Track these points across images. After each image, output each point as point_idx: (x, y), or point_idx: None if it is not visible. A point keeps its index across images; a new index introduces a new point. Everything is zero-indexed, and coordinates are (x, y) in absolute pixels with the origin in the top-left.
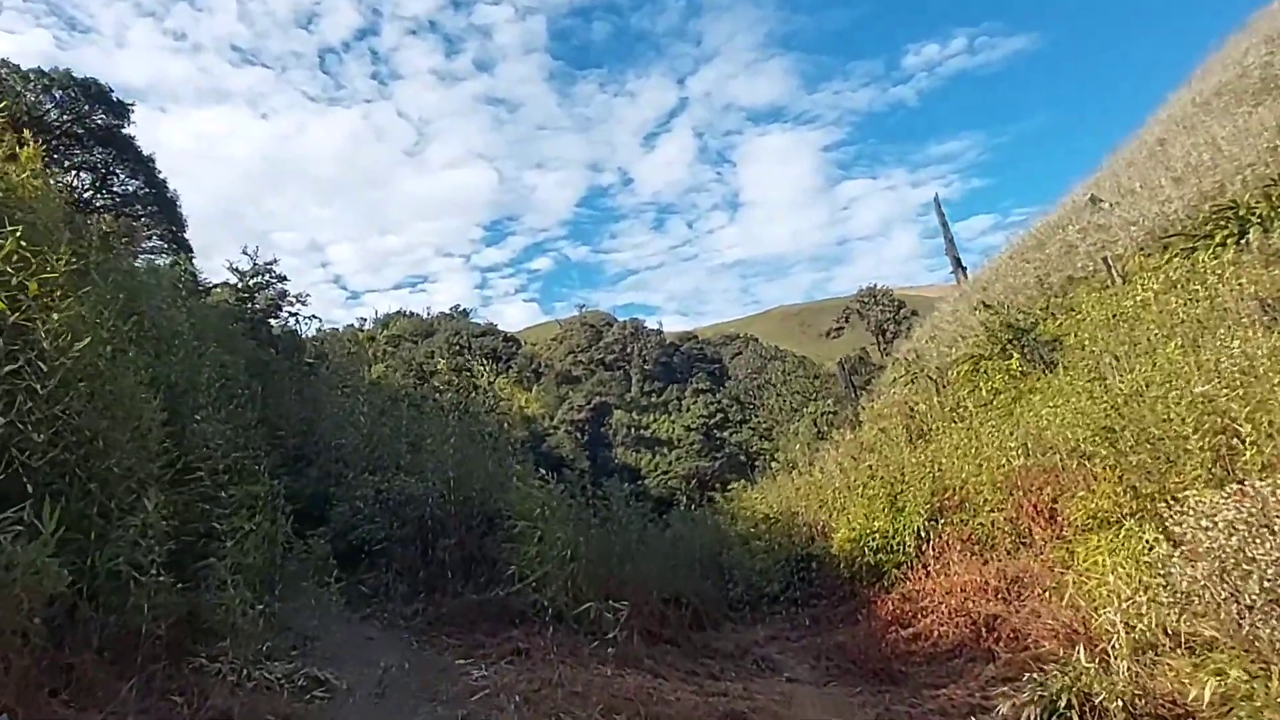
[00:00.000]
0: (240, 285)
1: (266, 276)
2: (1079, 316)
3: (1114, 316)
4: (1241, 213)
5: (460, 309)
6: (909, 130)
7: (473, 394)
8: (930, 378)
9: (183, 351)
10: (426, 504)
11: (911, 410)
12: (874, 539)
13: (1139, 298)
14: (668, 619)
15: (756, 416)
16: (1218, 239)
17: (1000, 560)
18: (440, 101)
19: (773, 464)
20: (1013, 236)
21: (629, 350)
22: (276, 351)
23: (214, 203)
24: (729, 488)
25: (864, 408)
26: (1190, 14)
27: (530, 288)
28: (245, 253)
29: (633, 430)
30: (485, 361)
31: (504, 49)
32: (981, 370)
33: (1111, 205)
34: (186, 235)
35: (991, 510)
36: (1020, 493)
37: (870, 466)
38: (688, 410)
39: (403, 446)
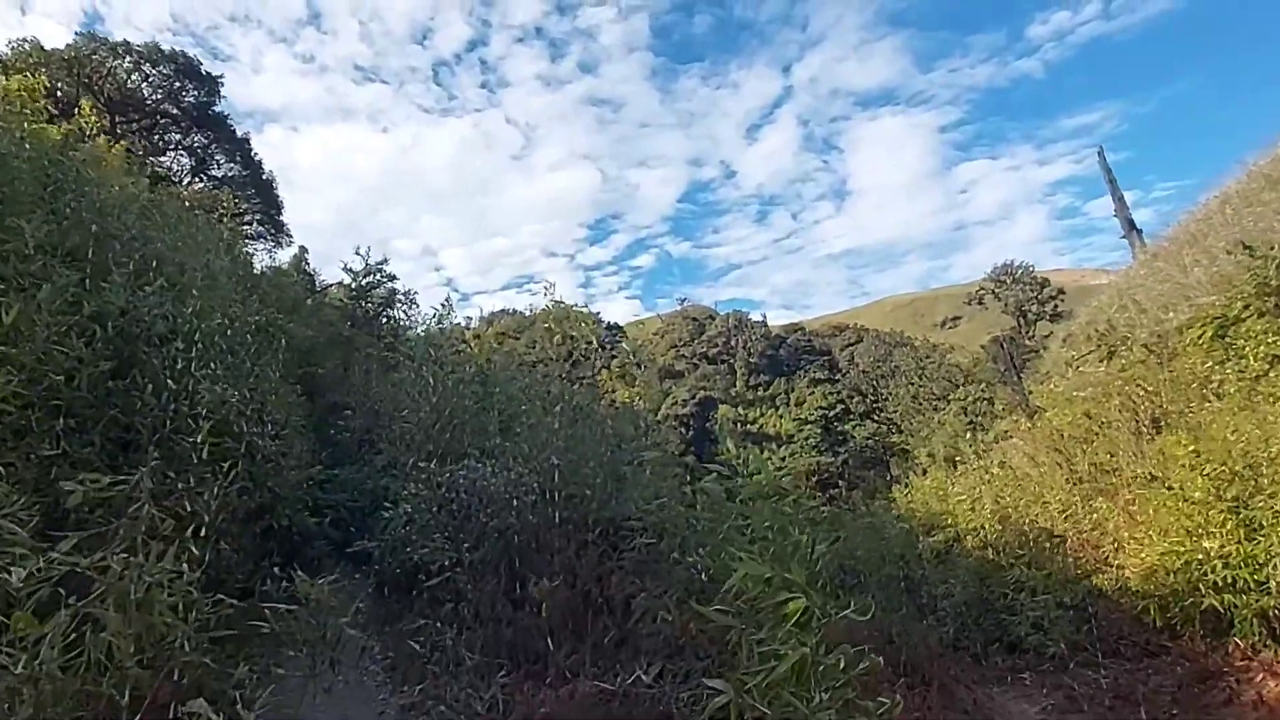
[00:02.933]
0: (353, 285)
1: (377, 276)
2: None
3: None
4: None
5: (560, 303)
6: (1036, 105)
7: (578, 381)
8: (1149, 349)
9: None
10: (514, 507)
11: (1140, 388)
12: (1208, 568)
13: None
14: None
15: (884, 407)
16: None
17: None
18: (546, 106)
19: (920, 458)
20: (1201, 197)
21: (733, 343)
22: (366, 332)
23: (337, 215)
24: (855, 488)
25: (1034, 392)
26: None
27: (633, 285)
28: (358, 253)
29: (739, 425)
30: (591, 351)
31: (607, 50)
32: (1237, 334)
33: None
34: (283, 218)
35: None
36: None
37: (1188, 454)
38: (803, 403)
39: (490, 423)
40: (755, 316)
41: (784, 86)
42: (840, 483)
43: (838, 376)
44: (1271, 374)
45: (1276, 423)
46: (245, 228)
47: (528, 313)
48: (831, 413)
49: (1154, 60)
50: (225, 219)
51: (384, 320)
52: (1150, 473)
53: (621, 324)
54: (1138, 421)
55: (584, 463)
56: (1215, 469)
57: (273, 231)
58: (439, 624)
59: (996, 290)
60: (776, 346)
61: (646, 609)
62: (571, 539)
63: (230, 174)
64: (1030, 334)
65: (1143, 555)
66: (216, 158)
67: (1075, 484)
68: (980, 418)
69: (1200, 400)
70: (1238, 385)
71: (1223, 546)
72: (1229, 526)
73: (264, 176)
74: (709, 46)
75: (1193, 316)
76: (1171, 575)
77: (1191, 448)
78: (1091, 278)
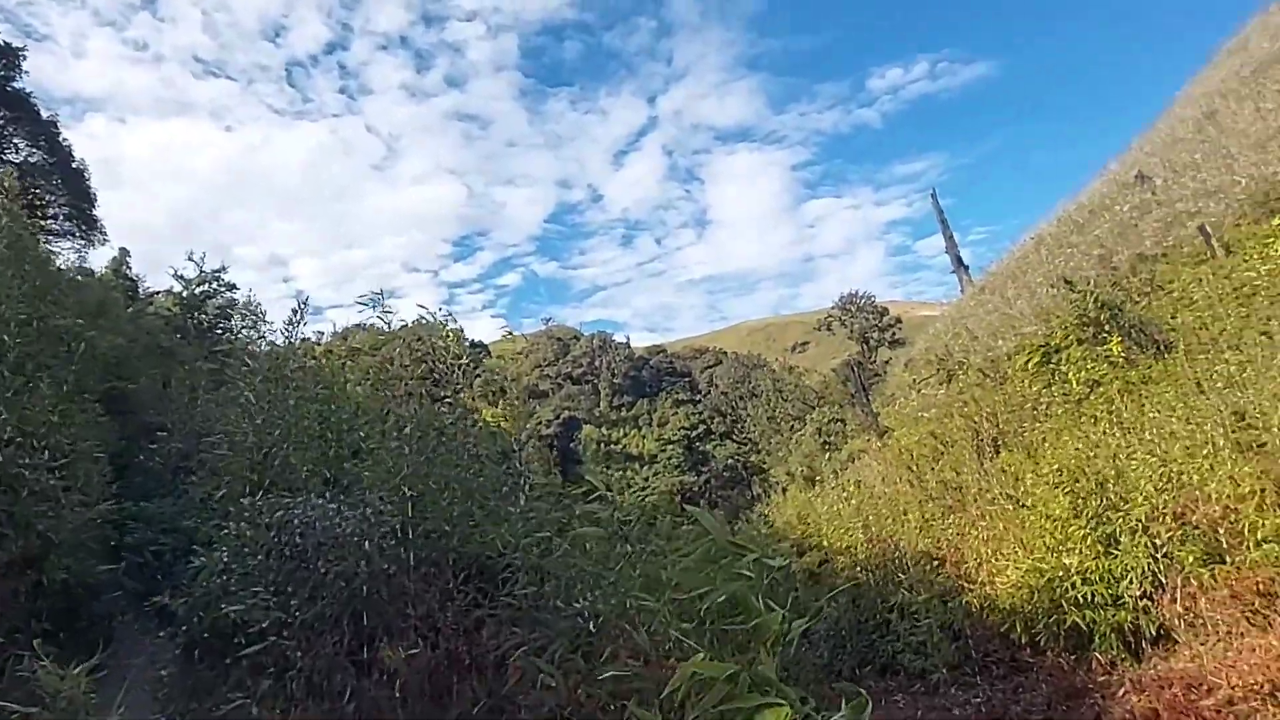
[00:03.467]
0: (185, 294)
1: (214, 284)
2: (1175, 295)
3: (1238, 290)
4: None
5: (423, 317)
6: (873, 151)
7: (439, 400)
8: (984, 373)
9: None
10: (361, 550)
11: (978, 409)
12: (1069, 583)
13: (1266, 269)
14: None
15: (743, 428)
16: None
17: None
18: (410, 117)
19: (779, 477)
20: (1019, 236)
21: (597, 364)
22: (198, 345)
23: (172, 216)
24: (717, 506)
25: (881, 413)
26: (1137, 43)
27: (498, 303)
28: (191, 259)
29: (603, 446)
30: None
31: (476, 66)
32: (1061, 360)
33: (1165, 182)
34: (96, 213)
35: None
36: None
37: (1051, 470)
38: (666, 423)
39: (336, 448)
40: (619, 338)
41: (650, 116)
42: (703, 502)
43: (699, 397)
44: (1092, 397)
45: (1099, 443)
46: (48, 222)
47: (387, 328)
48: (694, 433)
49: (972, 119)
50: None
51: (219, 332)
52: (1006, 491)
53: (486, 342)
54: (979, 440)
55: (447, 491)
56: (1073, 485)
57: (83, 228)
58: (259, 700)
59: (843, 318)
60: (639, 368)
61: (525, 669)
62: (432, 585)
63: (33, 160)
64: (873, 359)
65: (1008, 572)
66: (14, 141)
67: (927, 500)
68: (834, 437)
69: (1032, 420)
70: (1063, 407)
71: (1082, 562)
72: (1089, 542)
73: (74, 165)
74: (578, 72)
75: (1019, 344)
76: (1036, 592)
77: (1055, 465)
78: (921, 309)
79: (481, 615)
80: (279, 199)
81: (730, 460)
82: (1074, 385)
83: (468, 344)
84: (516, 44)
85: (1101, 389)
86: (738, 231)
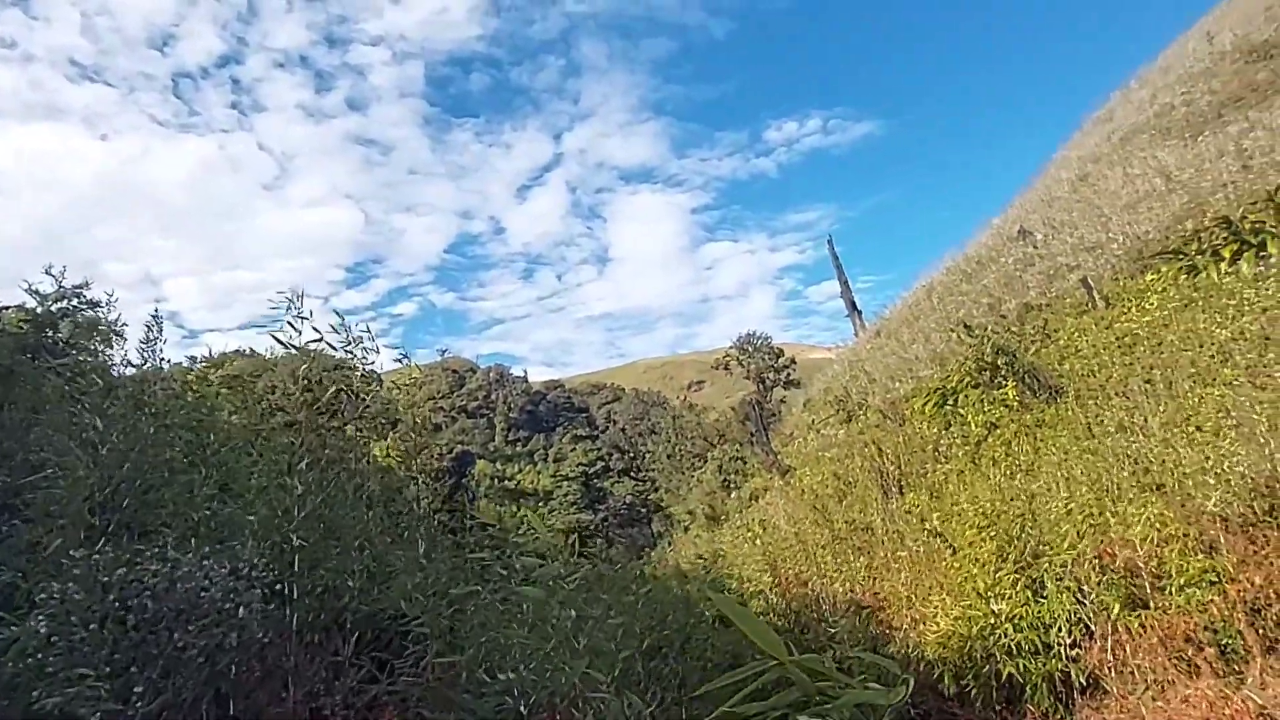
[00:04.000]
0: (40, 310)
1: (74, 302)
2: (1062, 343)
3: (1121, 339)
4: (1243, 227)
5: (308, 346)
6: (769, 198)
7: (326, 432)
8: (884, 414)
9: None
10: (230, 615)
11: (880, 451)
12: (1001, 631)
13: (1146, 319)
14: None
15: (643, 465)
16: (1226, 254)
17: (1249, 676)
18: (307, 137)
19: (681, 515)
20: (911, 283)
21: (493, 397)
22: (49, 367)
23: (35, 227)
24: (613, 545)
25: (781, 451)
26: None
27: (392, 333)
28: (49, 273)
29: (497, 481)
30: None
31: (378, 90)
32: (959, 403)
33: (1045, 237)
34: None
35: (1201, 584)
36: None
37: (967, 513)
38: (563, 459)
39: (203, 485)
40: (517, 372)
41: (555, 153)
42: (599, 540)
43: (597, 433)
44: (990, 439)
45: (1007, 486)
46: None
47: (268, 355)
48: (591, 469)
49: (861, 173)
50: None
51: (74, 353)
52: (918, 533)
53: (379, 372)
54: (884, 480)
55: (337, 538)
56: (996, 527)
57: None
58: None
59: (740, 357)
60: (536, 402)
61: None
62: (318, 656)
63: None
64: (769, 399)
65: (938, 619)
66: None
67: (834, 540)
68: (735, 476)
69: (933, 461)
70: (963, 449)
71: (1012, 609)
72: (1018, 588)
73: None
74: (484, 105)
75: (916, 386)
76: (967, 641)
77: (974, 507)
78: (813, 351)
79: (379, 693)
80: (158, 214)
81: (629, 497)
82: (973, 427)
83: (359, 375)
84: (423, 72)
85: (999, 431)
86: (638, 270)
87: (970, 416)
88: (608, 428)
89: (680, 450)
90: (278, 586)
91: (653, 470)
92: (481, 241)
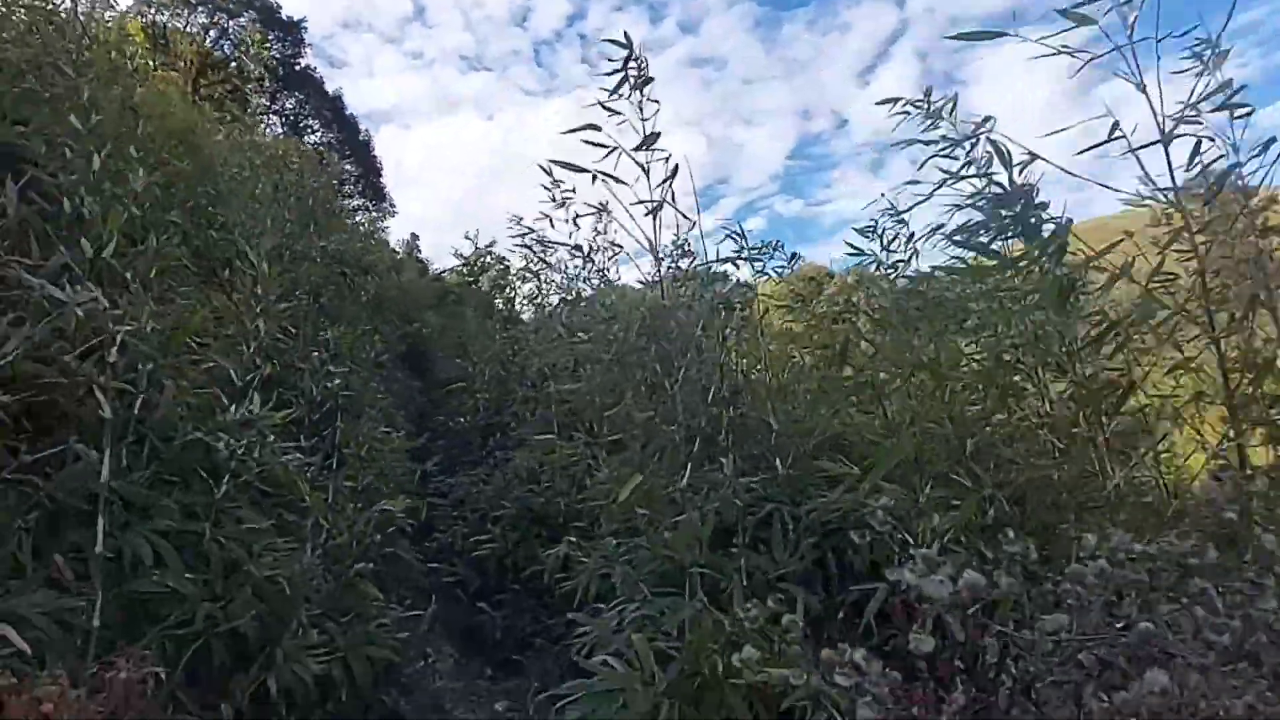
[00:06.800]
0: (465, 270)
1: (489, 258)
2: None
3: None
4: None
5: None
6: (1189, 9)
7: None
8: None
9: None
10: None
11: None
12: None
13: None
14: None
15: None
16: None
17: None
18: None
19: None
20: None
21: (854, 300)
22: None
23: (448, 206)
24: None
25: None
26: None
27: (743, 251)
28: (467, 237)
29: None
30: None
31: (706, 6)
32: None
33: None
34: (382, 182)
35: None
36: None
37: None
38: None
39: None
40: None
41: (899, 20)
42: None
43: None
44: None
45: None
46: (348, 201)
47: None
48: None
49: None
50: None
51: (490, 294)
52: None
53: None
54: None
55: None
56: None
57: (375, 201)
58: None
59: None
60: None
61: None
62: None
63: (326, 140)
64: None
65: None
66: (309, 121)
67: None
68: None
69: None
70: None
71: None
72: None
73: (360, 137)
74: None
75: None
76: None
77: None
78: None
79: None
80: (533, 174)
81: None
82: None
83: (735, 284)
84: None
85: None
86: (1012, 133)
87: None
88: None
89: None
90: None
91: None
92: (824, 140)
